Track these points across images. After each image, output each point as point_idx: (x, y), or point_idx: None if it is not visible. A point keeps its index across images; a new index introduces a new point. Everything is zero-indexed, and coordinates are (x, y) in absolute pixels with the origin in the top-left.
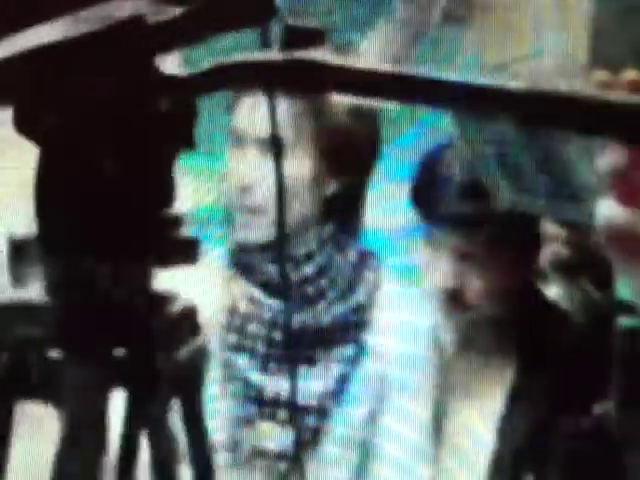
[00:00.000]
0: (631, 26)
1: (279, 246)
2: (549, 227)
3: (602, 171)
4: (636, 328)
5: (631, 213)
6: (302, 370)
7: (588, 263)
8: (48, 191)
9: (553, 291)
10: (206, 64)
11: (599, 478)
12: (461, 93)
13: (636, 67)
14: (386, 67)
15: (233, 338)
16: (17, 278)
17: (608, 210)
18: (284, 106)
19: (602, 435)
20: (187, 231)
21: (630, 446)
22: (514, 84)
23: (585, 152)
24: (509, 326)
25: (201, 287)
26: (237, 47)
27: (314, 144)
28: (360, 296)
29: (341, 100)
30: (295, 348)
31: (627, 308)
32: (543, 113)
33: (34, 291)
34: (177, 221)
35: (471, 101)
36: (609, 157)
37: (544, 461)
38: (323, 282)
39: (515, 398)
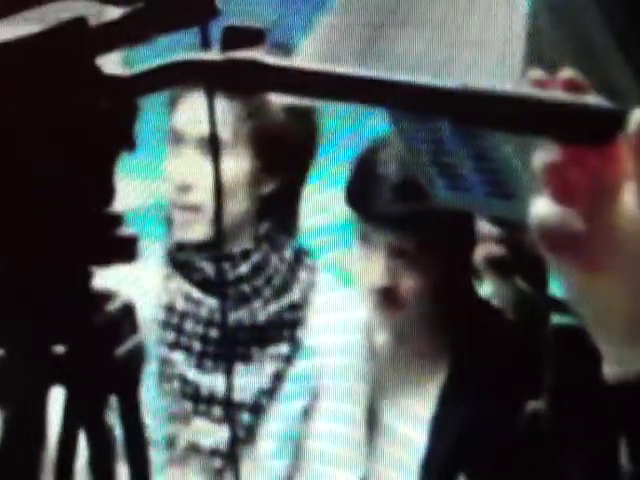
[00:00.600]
0: (567, 25)
1: (216, 245)
2: (484, 225)
3: (537, 169)
4: (569, 326)
5: (565, 211)
6: (237, 368)
7: (522, 261)
8: None
9: (487, 289)
10: (146, 64)
11: (531, 476)
12: (398, 92)
13: (572, 66)
14: (324, 66)
15: (170, 336)
16: None
17: (542, 208)
18: (223, 106)
19: (535, 433)
20: (126, 230)
21: (562, 443)
22: (450, 83)
23: (520, 151)
24: (443, 324)
25: (140, 285)
26: (177, 47)
27: (252, 143)
28: (295, 294)
29: (279, 100)
30: (231, 346)
31: (560, 306)
32: (479, 112)
33: None
34: (116, 220)
35: (408, 100)
36: (544, 155)
37: (477, 460)
38: (259, 280)
39: (448, 397)
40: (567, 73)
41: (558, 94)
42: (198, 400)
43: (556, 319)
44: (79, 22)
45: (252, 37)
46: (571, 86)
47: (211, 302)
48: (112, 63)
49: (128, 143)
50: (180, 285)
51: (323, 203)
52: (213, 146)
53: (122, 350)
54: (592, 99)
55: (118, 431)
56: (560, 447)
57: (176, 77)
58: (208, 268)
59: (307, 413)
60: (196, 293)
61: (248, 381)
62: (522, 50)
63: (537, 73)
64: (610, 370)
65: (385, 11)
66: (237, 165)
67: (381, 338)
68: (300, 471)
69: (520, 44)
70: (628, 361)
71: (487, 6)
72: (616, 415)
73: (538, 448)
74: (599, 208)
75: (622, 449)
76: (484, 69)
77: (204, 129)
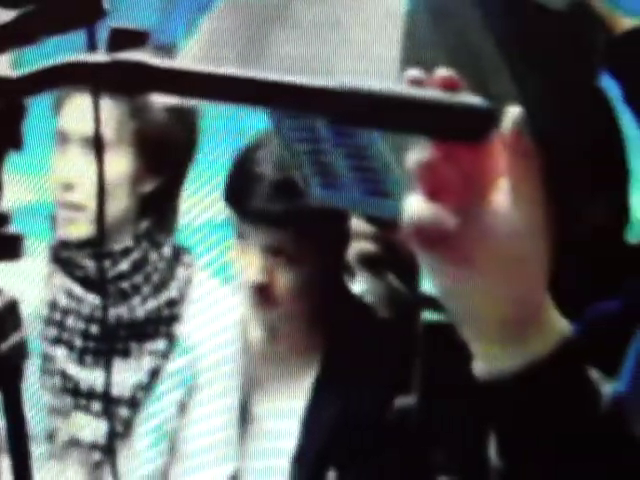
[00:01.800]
0: (445, 26)
1: (97, 242)
2: (357, 223)
3: (411, 167)
4: (439, 323)
5: (437, 208)
6: (116, 363)
7: (394, 258)
8: None
9: (359, 286)
10: (35, 65)
11: (400, 470)
12: (276, 91)
13: (449, 66)
14: (206, 67)
15: (52, 331)
16: None
17: (414, 205)
18: (107, 106)
19: (404, 428)
20: (11, 227)
21: (431, 438)
22: (327, 82)
23: (396, 148)
24: (316, 321)
25: (24, 282)
26: (65, 48)
27: (134, 143)
28: (173, 291)
29: (161, 100)
30: (110, 341)
31: (430, 302)
32: (356, 111)
33: None
34: (2, 218)
35: (286, 99)
36: (418, 153)
37: (347, 454)
38: (138, 277)
39: (320, 392)
40: (443, 72)
41: (433, 92)
42: (78, 395)
43: (427, 316)
44: None
45: (136, 38)
46: (447, 84)
47: (92, 299)
48: (1, 65)
49: (15, 142)
50: (63, 282)
51: (202, 201)
52: (97, 146)
53: (6, 345)
54: (467, 97)
55: (0, 424)
56: (429, 442)
57: (63, 78)
58: (89, 265)
59: (182, 408)
60: (78, 290)
61: (126, 376)
62: (400, 49)
63: (414, 72)
64: (480, 367)
65: (266, 12)
66: (120, 164)
67: (256, 334)
68: (175, 464)
69: (398, 43)
70: (497, 358)
71: (367, 6)
72: (485, 411)
73: (407, 443)
74: (471, 205)
75: (490, 444)
76: (363, 68)
77: (88, 129)
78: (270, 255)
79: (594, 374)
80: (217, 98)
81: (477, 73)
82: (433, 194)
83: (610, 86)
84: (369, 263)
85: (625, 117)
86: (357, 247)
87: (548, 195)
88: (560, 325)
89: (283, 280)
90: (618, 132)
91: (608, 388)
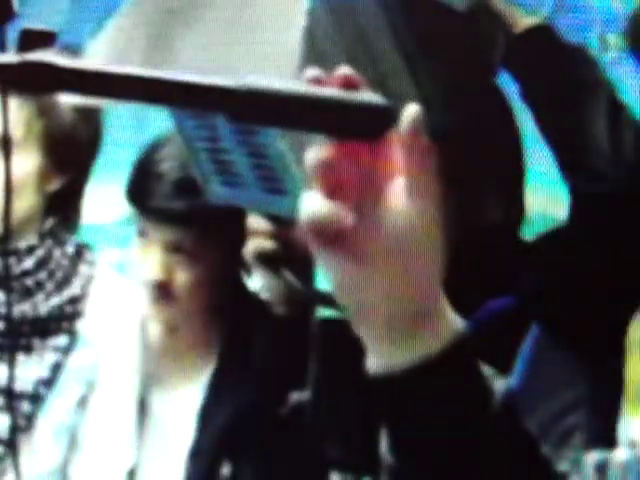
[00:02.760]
0: (347, 26)
1: (3, 240)
2: (255, 221)
3: (309, 165)
4: (334, 319)
5: (334, 206)
6: (20, 358)
7: (291, 255)
8: None
9: (256, 283)
10: None
11: (295, 467)
12: (178, 90)
13: (348, 64)
14: (110, 67)
15: None
16: None
17: (312, 203)
18: (15, 106)
19: (298, 423)
20: None
21: (325, 433)
22: (227, 81)
23: (295, 147)
24: (213, 318)
25: None
26: None
27: (41, 142)
28: (75, 288)
29: (67, 100)
30: (14, 337)
31: (326, 299)
32: (255, 109)
33: None
34: None
35: (187, 98)
36: (316, 151)
37: (242, 449)
38: (42, 274)
39: (217, 387)
40: (343, 70)
41: (332, 91)
42: None
43: (322, 312)
44: None
45: (45, 39)
46: (346, 83)
47: None
48: None
49: None
50: None
51: (105, 199)
52: (5, 145)
53: None
54: (365, 95)
55: None
56: (323, 437)
57: None
58: None
59: (83, 403)
60: None
61: (28, 371)
62: (301, 48)
63: (314, 71)
64: (373, 363)
65: (172, 11)
66: (26, 163)
67: (155, 330)
68: (75, 459)
69: (300, 42)
70: (390, 354)
71: (269, 6)
72: (377, 407)
73: (302, 438)
74: (368, 203)
75: (382, 440)
76: (266, 67)
77: None
78: (170, 252)
79: (487, 371)
80: (121, 97)
81: (377, 71)
82: (331, 192)
83: (509, 84)
84: (266, 260)
85: (523, 115)
86: (254, 244)
87: (444, 193)
88: (454, 322)
89: (182, 277)
90: (515, 131)
91: (500, 384)
